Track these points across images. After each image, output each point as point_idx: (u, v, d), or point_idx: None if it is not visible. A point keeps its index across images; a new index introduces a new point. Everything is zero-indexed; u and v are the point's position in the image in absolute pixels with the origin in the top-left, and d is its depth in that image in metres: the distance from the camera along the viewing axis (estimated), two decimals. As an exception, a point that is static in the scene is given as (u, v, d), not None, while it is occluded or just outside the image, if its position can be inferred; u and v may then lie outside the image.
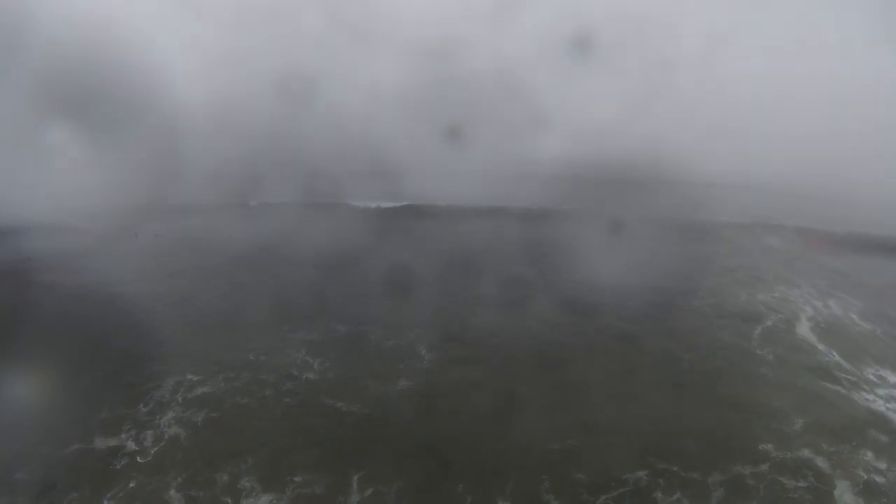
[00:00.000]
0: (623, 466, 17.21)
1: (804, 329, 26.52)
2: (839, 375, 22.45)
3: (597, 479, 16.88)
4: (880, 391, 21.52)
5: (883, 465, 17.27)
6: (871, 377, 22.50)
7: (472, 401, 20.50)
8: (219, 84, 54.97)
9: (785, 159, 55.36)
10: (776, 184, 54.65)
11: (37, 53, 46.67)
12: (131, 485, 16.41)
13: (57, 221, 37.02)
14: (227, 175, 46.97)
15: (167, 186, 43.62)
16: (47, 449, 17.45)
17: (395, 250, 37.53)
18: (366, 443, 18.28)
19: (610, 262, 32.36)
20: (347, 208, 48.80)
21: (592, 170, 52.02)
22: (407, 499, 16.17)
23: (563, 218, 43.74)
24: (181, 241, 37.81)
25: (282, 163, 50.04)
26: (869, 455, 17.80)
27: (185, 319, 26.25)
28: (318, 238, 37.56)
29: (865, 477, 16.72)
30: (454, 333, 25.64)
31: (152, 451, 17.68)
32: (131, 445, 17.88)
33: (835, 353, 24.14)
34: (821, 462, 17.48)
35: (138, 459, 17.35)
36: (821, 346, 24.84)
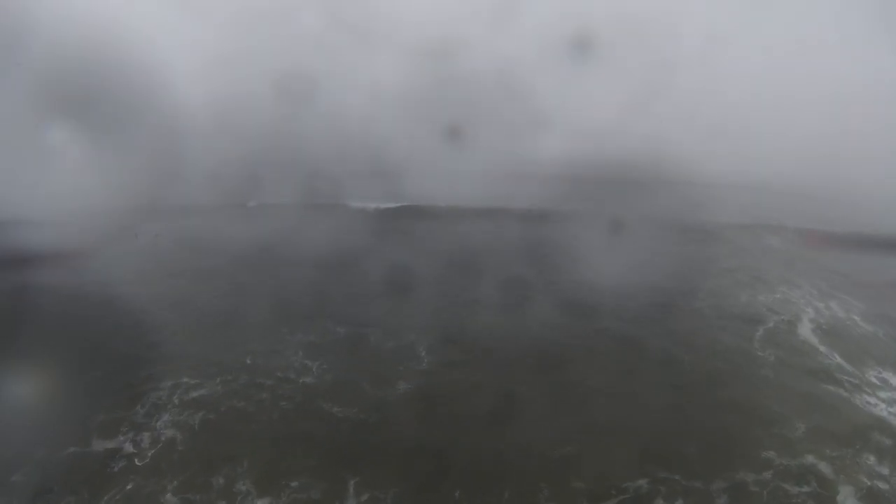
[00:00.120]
0: (623, 474, 17.01)
1: (806, 330, 26.37)
2: (841, 378, 22.30)
3: (597, 487, 16.66)
4: (882, 394, 21.37)
5: (886, 471, 17.10)
6: (874, 379, 22.35)
7: (471, 404, 20.36)
8: (219, 84, 54.94)
9: (785, 159, 55.30)
10: (777, 184, 54.57)
11: (36, 53, 46.62)
12: (128, 487, 16.30)
13: (57, 222, 36.92)
14: (227, 175, 46.91)
15: (167, 187, 43.52)
16: (44, 451, 17.30)
17: (394, 251, 37.44)
18: (363, 448, 18.13)
19: (610, 263, 32.24)
20: (347, 209, 48.72)
21: (592, 170, 51.93)
22: (403, 505, 16.01)
23: (564, 218, 43.59)
24: (181, 241, 37.75)
25: (281, 163, 49.97)
26: (872, 459, 17.62)
27: (183, 320, 26.14)
28: (317, 238, 37.48)
29: (869, 483, 16.53)
30: (454, 335, 25.52)
31: (149, 454, 17.56)
32: (128, 448, 17.75)
33: (836, 356, 24.00)
34: (823, 467, 17.28)
35: (136, 462, 17.22)
36: (822, 348, 24.70)
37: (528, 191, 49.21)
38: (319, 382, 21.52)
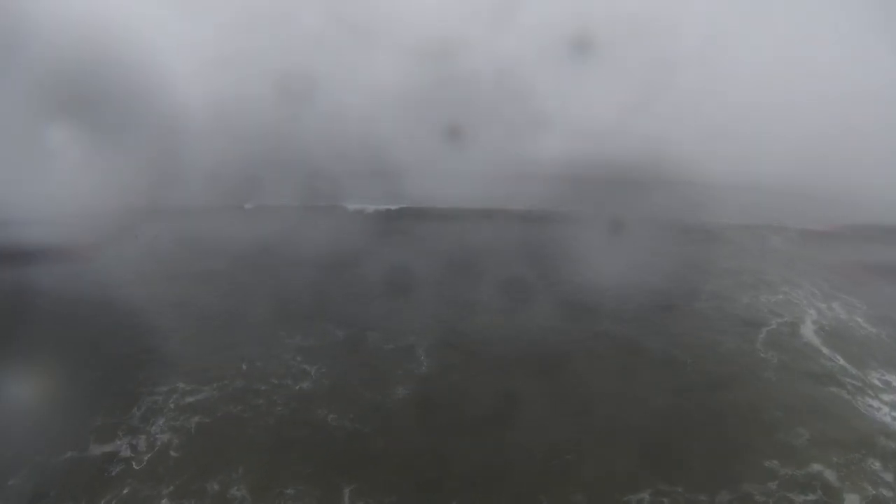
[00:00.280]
0: (624, 485, 16.74)
1: (808, 332, 26.19)
2: (844, 381, 22.10)
3: (597, 500, 16.39)
4: (885, 397, 21.18)
5: (890, 478, 16.86)
6: (877, 382, 22.16)
7: (469, 410, 20.15)
8: (218, 84, 54.77)
9: (786, 159, 55.04)
10: (777, 184, 54.33)
11: (35, 54, 46.55)
12: (125, 492, 16.18)
13: (56, 222, 36.86)
14: (227, 176, 46.77)
15: (167, 188, 43.43)
16: (42, 455, 17.20)
17: (394, 252, 37.30)
18: (359, 455, 17.95)
19: (610, 264, 32.07)
20: (346, 210, 48.58)
21: (592, 170, 51.73)
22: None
23: (564, 219, 43.43)
24: (181, 242, 37.62)
25: (281, 164, 49.81)
26: (877, 465, 17.41)
27: (182, 322, 26.00)
28: (317, 239, 37.33)
29: (874, 492, 16.28)
30: (453, 337, 25.35)
31: (145, 458, 17.44)
32: (126, 452, 17.64)
33: (839, 358, 23.81)
34: (828, 475, 17.04)
35: (134, 466, 17.12)
36: (825, 350, 24.52)
37: (528, 191, 49.06)
38: (317, 387, 21.32)
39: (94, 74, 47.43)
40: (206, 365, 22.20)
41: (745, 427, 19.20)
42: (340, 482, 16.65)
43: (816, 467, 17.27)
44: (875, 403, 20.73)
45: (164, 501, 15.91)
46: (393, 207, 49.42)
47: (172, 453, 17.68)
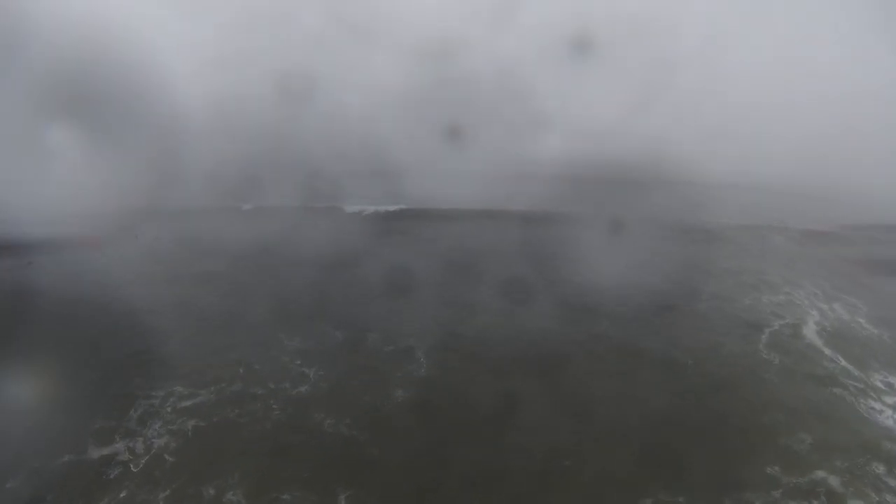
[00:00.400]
0: (624, 489, 16.51)
1: (811, 333, 26.02)
2: (847, 383, 21.90)
3: (597, 503, 16.16)
4: (888, 399, 20.99)
5: (894, 483, 16.64)
6: (879, 384, 21.99)
7: (468, 413, 19.96)
8: (218, 85, 54.77)
9: (786, 159, 54.94)
10: (778, 184, 54.18)
11: (35, 54, 46.54)
12: (122, 495, 16.07)
13: (57, 223, 36.85)
14: (227, 177, 46.72)
15: (167, 189, 43.41)
16: (40, 458, 17.06)
17: (394, 252, 37.21)
18: (355, 460, 17.77)
19: (610, 264, 31.94)
20: (346, 211, 48.49)
21: (592, 170, 51.66)
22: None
23: (564, 219, 43.26)
24: (181, 243, 37.58)
25: (280, 164, 49.77)
26: (881, 469, 17.19)
27: (182, 323, 25.89)
28: (317, 240, 37.27)
29: (878, 499, 16.03)
30: (453, 338, 25.20)
31: (142, 462, 17.31)
32: (123, 455, 17.52)
33: (842, 359, 23.63)
34: (832, 481, 16.80)
35: (132, 468, 17.01)
36: (827, 352, 24.35)
37: (528, 191, 48.93)
38: (315, 391, 21.14)
39: (95, 74, 47.46)
40: (205, 367, 22.06)
41: (746, 431, 18.98)
42: (337, 487, 16.47)
43: (820, 474, 17.03)
44: (878, 406, 20.55)
45: (160, 505, 15.81)
46: (393, 208, 49.32)
47: (169, 457, 17.55)
